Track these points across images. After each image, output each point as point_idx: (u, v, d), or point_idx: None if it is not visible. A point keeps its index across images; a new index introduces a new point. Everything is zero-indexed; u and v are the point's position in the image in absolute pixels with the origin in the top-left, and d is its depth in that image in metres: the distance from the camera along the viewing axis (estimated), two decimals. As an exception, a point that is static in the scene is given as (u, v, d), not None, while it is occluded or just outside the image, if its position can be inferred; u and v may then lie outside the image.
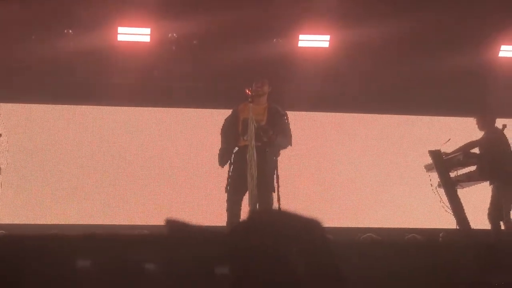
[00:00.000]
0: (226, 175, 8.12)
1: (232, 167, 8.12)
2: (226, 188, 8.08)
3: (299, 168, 12.02)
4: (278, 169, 8.02)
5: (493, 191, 9.34)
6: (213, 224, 10.73)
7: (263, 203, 7.81)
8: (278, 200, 7.80)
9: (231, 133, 8.24)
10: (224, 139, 8.35)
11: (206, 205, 11.51)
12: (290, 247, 2.25)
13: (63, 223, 11.28)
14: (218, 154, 8.29)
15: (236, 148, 8.10)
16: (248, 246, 2.17)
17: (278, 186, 7.90)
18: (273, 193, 7.92)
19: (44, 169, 11.59)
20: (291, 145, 8.42)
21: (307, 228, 2.33)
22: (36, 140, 11.69)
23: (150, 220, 11.46)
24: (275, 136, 8.03)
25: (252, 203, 7.70)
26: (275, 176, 7.96)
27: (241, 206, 8.05)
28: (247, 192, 7.87)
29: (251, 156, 7.80)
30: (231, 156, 8.14)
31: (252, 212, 2.24)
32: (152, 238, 2.24)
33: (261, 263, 2.15)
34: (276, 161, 8.12)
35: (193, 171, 11.84)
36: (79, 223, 11.34)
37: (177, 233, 2.19)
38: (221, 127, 8.46)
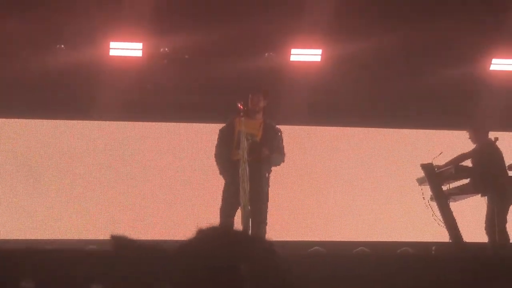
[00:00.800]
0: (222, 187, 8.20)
1: (227, 181, 8.17)
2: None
3: (290, 181, 12.00)
4: (270, 186, 8.08)
5: (488, 204, 9.34)
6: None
7: (256, 217, 7.82)
8: None
9: (227, 145, 8.26)
10: (219, 150, 8.36)
11: (199, 217, 11.50)
12: (237, 264, 2.22)
13: (54, 238, 11.23)
14: (218, 163, 8.34)
15: (231, 161, 8.14)
16: (194, 264, 2.15)
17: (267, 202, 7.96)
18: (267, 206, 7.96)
19: (32, 184, 11.54)
20: (283, 162, 8.45)
21: (253, 245, 2.31)
22: (27, 155, 11.65)
23: (140, 234, 11.45)
24: (269, 154, 8.08)
25: (244, 218, 7.71)
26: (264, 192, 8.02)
27: (233, 218, 8.06)
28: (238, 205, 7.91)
29: (243, 170, 7.83)
30: (227, 168, 8.19)
31: (199, 232, 2.19)
32: (97, 255, 2.20)
33: (208, 281, 2.13)
34: (268, 178, 8.15)
35: (181, 185, 11.81)
36: (72, 237, 11.30)
37: (122, 251, 2.16)
38: (217, 138, 8.47)
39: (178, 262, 2.14)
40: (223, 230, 2.34)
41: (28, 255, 2.13)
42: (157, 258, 2.18)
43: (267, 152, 8.06)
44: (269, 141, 8.15)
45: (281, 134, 8.41)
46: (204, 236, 2.26)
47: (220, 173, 8.36)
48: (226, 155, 8.24)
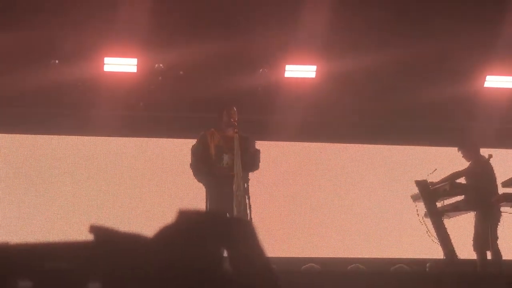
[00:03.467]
0: (205, 203, 8.16)
1: (212, 197, 8.14)
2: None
3: (283, 198, 12.01)
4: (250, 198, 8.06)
5: (475, 221, 9.34)
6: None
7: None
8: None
9: (204, 158, 8.24)
10: (197, 167, 8.35)
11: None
12: (218, 247, 2.19)
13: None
14: (193, 167, 8.33)
15: (213, 176, 8.13)
16: (174, 251, 2.12)
17: (251, 213, 7.95)
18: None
19: (28, 199, 11.51)
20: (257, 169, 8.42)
21: (235, 227, 2.28)
22: (21, 170, 11.64)
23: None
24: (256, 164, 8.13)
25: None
26: (247, 202, 8.00)
27: None
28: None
29: (238, 185, 7.81)
30: (209, 183, 8.18)
31: (178, 215, 2.16)
32: (76, 247, 2.17)
33: (188, 268, 2.10)
34: (248, 188, 8.12)
35: (176, 201, 11.80)
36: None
37: (101, 241, 2.14)
38: (191, 154, 8.44)
39: (158, 246, 2.12)
40: (205, 214, 2.30)
41: (25, 254, 2.11)
42: (136, 248, 2.15)
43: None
44: (246, 150, 8.15)
45: (252, 139, 8.37)
46: (185, 217, 2.23)
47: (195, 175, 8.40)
48: (207, 170, 8.23)
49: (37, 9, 9.96)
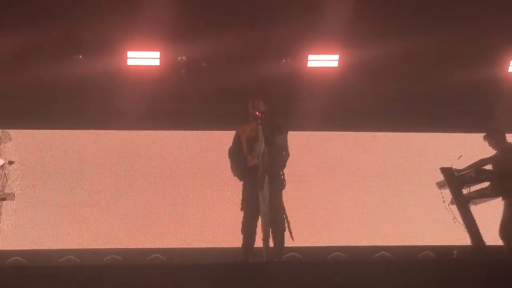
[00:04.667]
0: (241, 196, 8.16)
1: (246, 189, 8.15)
2: (241, 208, 8.10)
3: (309, 186, 12.02)
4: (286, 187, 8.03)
5: (504, 207, 9.28)
6: (229, 246, 10.79)
7: (276, 225, 7.80)
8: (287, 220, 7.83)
9: (238, 155, 8.25)
10: (233, 163, 8.36)
11: (220, 226, 11.51)
12: None
13: (78, 247, 11.28)
14: (233, 170, 8.34)
15: (247, 169, 8.12)
16: None
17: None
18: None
19: (57, 194, 11.59)
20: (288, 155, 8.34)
21: None
22: (48, 165, 11.72)
23: (166, 243, 11.49)
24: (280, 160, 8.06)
25: (264, 226, 7.69)
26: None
27: (256, 227, 8.04)
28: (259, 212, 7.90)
29: (262, 177, 7.80)
30: (244, 177, 8.18)
31: None
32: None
33: None
34: (284, 179, 8.06)
35: (205, 193, 11.83)
36: (93, 247, 11.34)
37: None
38: (228, 157, 8.46)
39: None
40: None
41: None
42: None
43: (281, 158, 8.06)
44: (272, 143, 8.08)
45: (285, 135, 8.31)
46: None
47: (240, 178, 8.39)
48: (242, 165, 8.23)
49: (61, 5, 10.01)
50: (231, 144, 8.44)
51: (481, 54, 11.59)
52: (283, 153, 8.16)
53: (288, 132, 8.33)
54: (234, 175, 8.34)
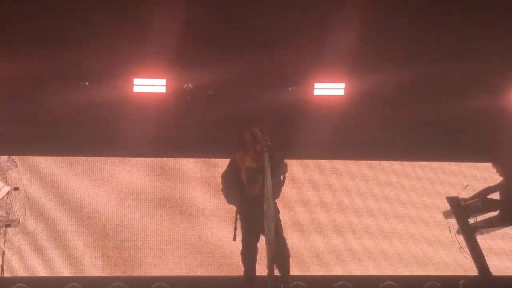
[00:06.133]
0: (233, 225, 8.16)
1: (244, 218, 8.13)
2: (233, 237, 8.10)
3: (313, 215, 11.98)
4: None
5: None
6: (225, 274, 10.77)
7: (282, 252, 7.80)
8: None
9: (234, 183, 8.25)
10: (228, 189, 8.37)
11: (225, 254, 11.47)
12: None
13: (82, 275, 11.23)
14: (224, 193, 8.35)
15: (245, 199, 8.13)
16: None
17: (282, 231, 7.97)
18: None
19: (61, 221, 11.57)
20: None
21: None
22: (54, 192, 11.71)
23: (170, 271, 11.45)
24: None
25: (270, 254, 7.66)
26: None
27: (256, 257, 8.03)
28: (259, 240, 7.92)
29: (268, 205, 7.78)
30: (242, 206, 8.19)
31: None
32: None
33: None
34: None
35: (208, 222, 11.80)
36: (98, 274, 11.29)
37: None
38: (221, 180, 8.47)
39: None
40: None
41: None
42: None
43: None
44: (279, 173, 8.11)
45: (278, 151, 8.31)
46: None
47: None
48: (239, 194, 8.24)
49: (67, 32, 10.05)
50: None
51: (487, 82, 11.58)
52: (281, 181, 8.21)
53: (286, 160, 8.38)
54: (229, 202, 8.36)
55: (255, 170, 8.15)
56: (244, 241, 8.06)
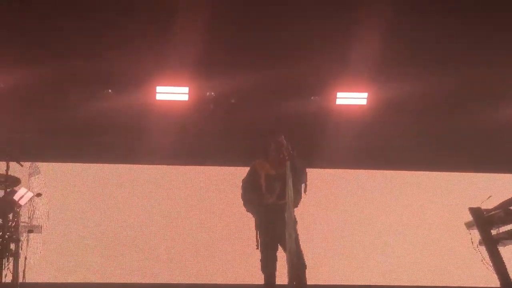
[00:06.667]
0: (255, 234, 8.14)
1: (262, 226, 8.12)
2: (257, 246, 8.08)
3: (335, 224, 11.97)
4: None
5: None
6: (244, 282, 10.76)
7: (300, 260, 7.80)
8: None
9: (254, 191, 8.25)
10: (248, 197, 8.37)
11: (235, 263, 11.48)
12: None
13: (104, 281, 11.27)
14: (249, 209, 8.35)
15: (263, 205, 8.13)
16: None
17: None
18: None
19: (85, 228, 11.61)
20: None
21: None
22: (76, 199, 11.77)
23: (191, 279, 11.47)
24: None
25: (290, 260, 7.65)
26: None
27: (276, 264, 8.02)
28: (279, 249, 7.90)
29: (289, 214, 7.77)
30: (259, 213, 8.18)
31: None
32: None
33: None
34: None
35: (227, 230, 11.81)
36: (120, 281, 11.32)
37: None
38: (241, 185, 8.48)
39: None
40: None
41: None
42: None
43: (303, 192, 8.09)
44: (296, 181, 8.09)
45: (303, 165, 8.29)
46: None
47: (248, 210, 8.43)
48: (256, 200, 8.24)
49: (91, 39, 10.10)
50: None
51: (509, 93, 11.51)
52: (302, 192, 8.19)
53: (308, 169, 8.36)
54: (247, 210, 8.36)
55: (274, 177, 8.15)
56: (263, 249, 8.05)
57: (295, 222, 7.99)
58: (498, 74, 11.07)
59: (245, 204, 8.46)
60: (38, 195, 10.23)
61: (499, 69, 10.99)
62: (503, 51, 10.68)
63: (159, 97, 11.45)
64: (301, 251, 7.98)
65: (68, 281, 11.25)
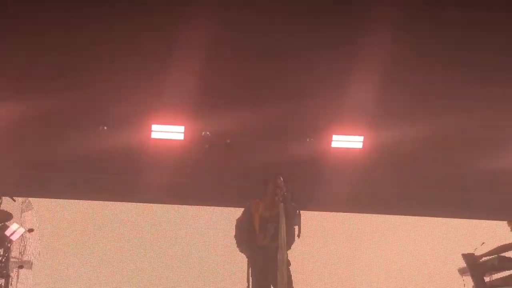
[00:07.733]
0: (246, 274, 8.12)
1: (254, 267, 8.09)
2: (247, 286, 8.05)
3: (331, 268, 11.91)
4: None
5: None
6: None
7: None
8: None
9: (247, 231, 8.23)
10: (240, 236, 8.35)
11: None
12: None
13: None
14: (236, 238, 8.32)
15: (256, 247, 8.10)
16: None
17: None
18: None
19: (75, 264, 11.56)
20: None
21: None
22: (68, 235, 11.72)
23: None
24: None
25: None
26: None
27: None
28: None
29: (282, 256, 7.76)
30: (252, 253, 8.15)
31: None
32: None
33: None
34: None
35: (223, 270, 11.75)
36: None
37: None
38: (235, 226, 8.46)
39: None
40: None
41: None
42: None
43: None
44: (289, 223, 8.08)
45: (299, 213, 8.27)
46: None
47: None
48: (250, 241, 8.22)
49: (87, 76, 10.13)
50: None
51: (502, 142, 11.52)
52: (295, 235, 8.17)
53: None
54: (240, 250, 8.33)
55: (267, 219, 8.14)
56: None
57: (289, 264, 7.97)
58: (494, 121, 11.09)
59: (238, 245, 8.45)
60: (30, 230, 10.21)
61: (495, 116, 11.01)
62: (499, 103, 10.74)
63: (154, 135, 11.44)
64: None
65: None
